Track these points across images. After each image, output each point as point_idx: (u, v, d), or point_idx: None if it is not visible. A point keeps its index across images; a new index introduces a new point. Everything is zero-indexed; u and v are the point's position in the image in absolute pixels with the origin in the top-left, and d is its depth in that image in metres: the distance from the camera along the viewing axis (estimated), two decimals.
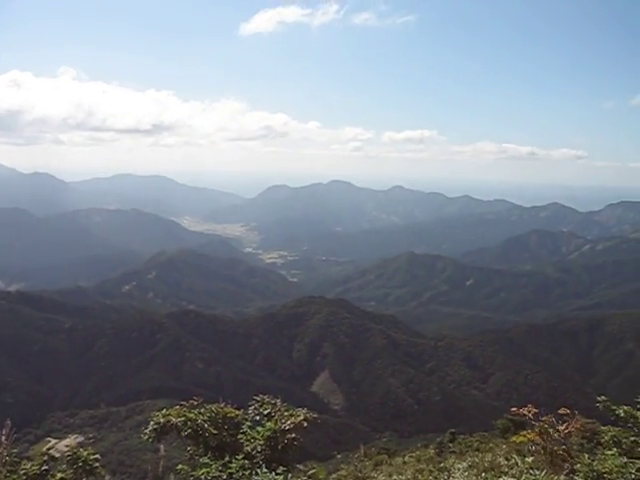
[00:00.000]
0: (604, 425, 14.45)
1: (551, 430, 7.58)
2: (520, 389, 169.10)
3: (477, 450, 30.67)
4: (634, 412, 11.83)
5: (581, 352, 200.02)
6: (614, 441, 12.54)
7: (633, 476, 9.78)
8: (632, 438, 12.06)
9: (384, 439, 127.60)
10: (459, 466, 11.25)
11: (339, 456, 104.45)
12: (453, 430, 53.15)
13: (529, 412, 7.71)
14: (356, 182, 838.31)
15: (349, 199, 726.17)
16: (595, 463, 9.58)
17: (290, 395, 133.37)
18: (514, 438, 8.08)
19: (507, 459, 11.55)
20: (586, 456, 9.84)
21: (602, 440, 13.39)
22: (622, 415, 11.88)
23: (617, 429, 12.97)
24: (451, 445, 41.89)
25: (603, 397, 12.63)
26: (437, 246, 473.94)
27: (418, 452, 41.11)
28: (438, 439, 48.77)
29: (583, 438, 21.45)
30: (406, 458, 36.16)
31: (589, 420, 27.36)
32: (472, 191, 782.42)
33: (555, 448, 7.79)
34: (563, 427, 7.60)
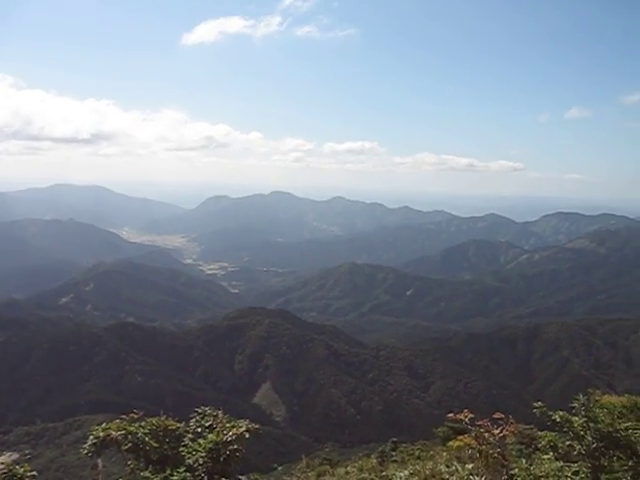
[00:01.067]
0: (542, 431, 14.78)
1: (486, 434, 7.71)
2: (460, 397, 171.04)
3: (418, 458, 30.95)
4: (569, 417, 12.11)
5: (519, 360, 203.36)
6: (550, 446, 12.82)
7: (569, 479, 10.00)
8: (567, 442, 12.35)
9: (326, 449, 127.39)
10: (401, 474, 11.34)
11: (281, 468, 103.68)
12: (395, 439, 53.48)
13: (465, 417, 7.82)
14: (297, 193, 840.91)
15: (290, 210, 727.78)
16: (532, 467, 9.78)
17: (232, 407, 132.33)
18: (451, 443, 8.20)
19: (448, 466, 11.68)
20: (523, 461, 10.04)
21: (539, 445, 13.70)
22: (558, 420, 12.15)
23: (553, 434, 13.26)
24: (393, 454, 42.12)
25: (539, 403, 12.90)
26: (378, 256, 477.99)
27: (360, 462, 41.15)
28: (380, 448, 48.95)
29: (521, 443, 21.92)
30: (348, 468, 36.18)
31: (527, 426, 27.99)
32: (412, 202, 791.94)
33: (490, 452, 7.92)
34: (498, 431, 7.72)
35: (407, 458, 35.21)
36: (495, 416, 8.05)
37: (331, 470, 36.65)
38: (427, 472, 11.68)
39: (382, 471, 23.42)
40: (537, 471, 9.81)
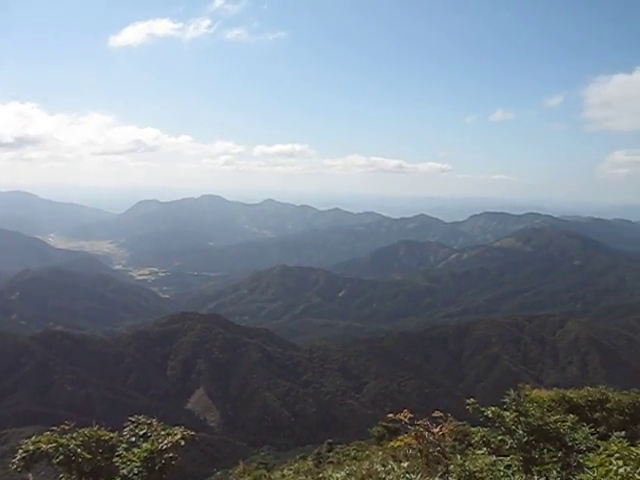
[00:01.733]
0: (474, 426, 15.01)
1: (426, 433, 7.80)
2: (394, 396, 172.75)
3: (354, 459, 31.07)
4: (500, 412, 12.35)
5: (451, 357, 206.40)
6: (483, 441, 13.06)
7: (502, 473, 10.18)
8: (500, 437, 12.60)
9: (262, 453, 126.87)
10: (337, 475, 11.35)
11: (218, 473, 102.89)
12: (330, 440, 53.69)
13: (405, 417, 7.90)
14: (228, 196, 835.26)
15: (221, 213, 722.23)
16: (467, 463, 9.93)
17: (166, 414, 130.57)
18: (392, 443, 8.27)
19: (384, 465, 11.76)
20: (458, 457, 10.19)
21: (472, 441, 13.94)
22: (490, 416, 12.38)
23: (486, 429, 13.51)
24: (329, 455, 42.27)
25: (472, 400, 13.13)
26: (309, 258, 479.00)
27: (296, 464, 41.18)
28: (316, 450, 49.08)
29: (455, 440, 22.24)
30: (285, 471, 36.13)
31: (460, 423, 28.43)
32: (342, 204, 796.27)
33: (430, 450, 8.02)
34: (437, 429, 7.83)
35: (343, 459, 35.37)
36: (434, 415, 8.17)
37: (267, 474, 36.54)
38: (363, 472, 11.73)
39: (319, 473, 23.42)
40: (471, 466, 9.96)
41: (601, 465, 5.94)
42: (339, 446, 48.01)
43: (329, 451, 45.08)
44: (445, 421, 7.92)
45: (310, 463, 39.26)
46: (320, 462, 38.65)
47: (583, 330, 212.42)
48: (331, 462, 35.71)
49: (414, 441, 7.84)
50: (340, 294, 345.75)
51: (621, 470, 5.59)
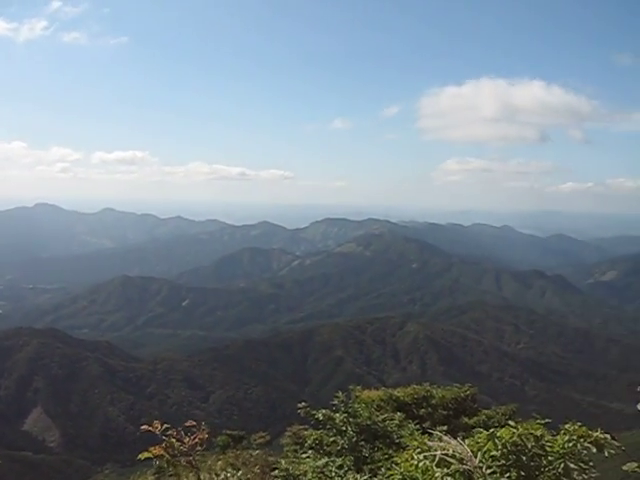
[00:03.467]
0: (317, 429, 15.26)
1: (177, 443, 7.89)
2: (241, 404, 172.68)
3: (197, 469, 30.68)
4: (331, 414, 12.69)
5: (296, 363, 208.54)
6: (316, 443, 13.36)
7: (334, 474, 10.44)
8: (332, 438, 12.93)
9: (106, 471, 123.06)
10: None
11: None
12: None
13: (156, 428, 7.94)
14: (64, 205, 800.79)
15: (57, 223, 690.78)
16: (291, 468, 10.10)
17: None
18: (140, 455, 8.24)
19: (217, 474, 11.76)
20: (283, 462, 10.36)
21: (306, 444, 14.20)
22: (321, 418, 12.69)
23: (319, 432, 13.82)
24: (170, 468, 41.52)
25: (303, 403, 13.42)
26: (151, 268, 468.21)
27: None
28: (157, 463, 48.09)
29: (296, 444, 22.51)
30: None
31: (301, 426, 28.80)
32: (184, 212, 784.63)
33: (183, 460, 8.13)
34: (188, 439, 7.94)
35: (184, 471, 34.84)
36: (187, 424, 8.25)
37: None
38: None
39: None
40: (296, 470, 10.14)
41: (406, 461, 6.29)
42: (197, 460, 47.36)
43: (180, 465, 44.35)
44: (199, 430, 8.02)
45: (151, 477, 38.45)
46: (161, 476, 37.95)
47: (421, 330, 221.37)
48: (171, 475, 35.13)
49: (163, 452, 7.88)
50: (184, 303, 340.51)
51: (421, 464, 5.95)
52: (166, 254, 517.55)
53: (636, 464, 5.25)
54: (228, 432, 39.78)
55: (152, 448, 8.02)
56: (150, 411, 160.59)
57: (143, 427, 8.12)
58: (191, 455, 7.96)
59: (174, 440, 7.87)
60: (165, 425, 7.95)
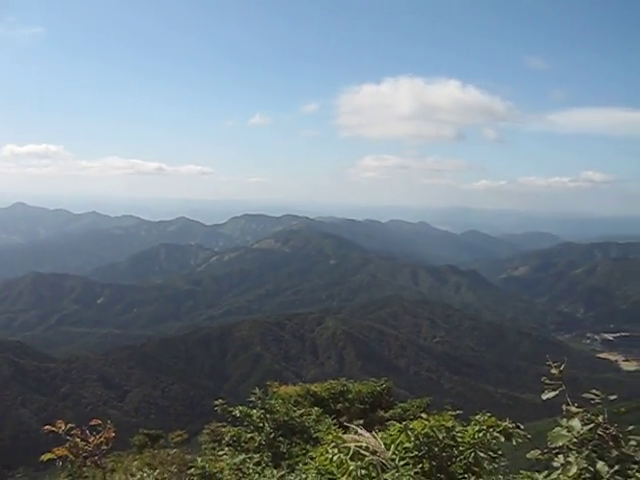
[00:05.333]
0: (235, 426, 15.24)
1: (82, 443, 7.82)
2: (158, 403, 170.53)
3: (113, 470, 30.22)
4: (248, 411, 12.70)
5: (214, 360, 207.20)
6: (234, 440, 13.35)
7: (251, 470, 10.47)
8: (249, 435, 12.95)
9: (18, 475, 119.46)
10: None
11: None
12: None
13: (59, 428, 7.84)
14: None
15: None
16: (208, 465, 10.08)
17: None
18: (42, 456, 8.12)
19: (133, 475, 11.65)
20: (199, 460, 10.32)
21: (223, 441, 14.18)
22: (238, 415, 12.70)
23: (237, 428, 13.82)
24: (84, 470, 40.74)
25: (220, 401, 13.39)
26: (65, 264, 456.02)
27: None
28: (69, 466, 47.08)
29: (215, 441, 22.42)
30: None
31: (220, 424, 28.68)
32: (100, 207, 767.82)
33: (88, 460, 8.06)
34: (93, 439, 7.87)
35: (90, 471, 34.21)
36: (92, 423, 8.16)
37: None
38: None
39: None
40: (213, 468, 10.12)
41: (321, 455, 6.39)
42: (103, 460, 46.51)
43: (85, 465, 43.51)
44: (105, 429, 7.96)
45: None
46: (74, 478, 37.19)
47: (339, 326, 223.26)
48: (86, 477, 34.47)
49: (67, 452, 7.79)
50: (99, 301, 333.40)
51: (336, 458, 6.04)
52: (80, 250, 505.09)
53: (539, 451, 5.46)
54: (145, 431, 39.23)
55: (56, 449, 7.86)
56: (64, 412, 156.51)
57: (46, 427, 7.95)
58: (96, 455, 7.84)
59: (79, 440, 7.74)
60: (70, 425, 7.81)
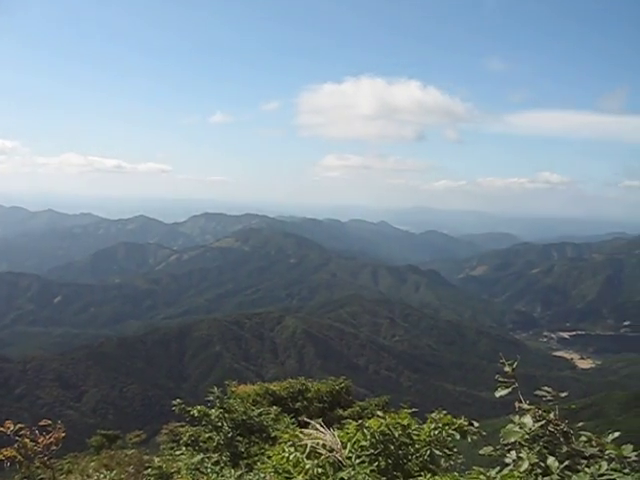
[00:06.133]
0: (194, 426, 15.16)
1: (31, 444, 7.76)
2: (116, 403, 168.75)
3: (69, 472, 29.85)
4: (206, 410, 12.67)
5: (173, 359, 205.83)
6: (192, 439, 13.31)
7: (209, 470, 10.45)
8: (208, 434, 12.92)
9: None
10: None
11: None
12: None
13: (7, 428, 7.77)
14: None
15: None
16: (165, 465, 10.03)
17: None
18: None
19: (89, 476, 11.55)
20: (156, 460, 10.27)
21: (181, 441, 14.13)
22: (196, 415, 12.66)
23: (195, 428, 13.78)
24: (39, 472, 40.19)
25: (178, 400, 13.34)
26: (20, 263, 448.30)
27: None
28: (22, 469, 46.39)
29: (173, 441, 22.30)
30: None
31: (178, 424, 28.56)
32: (57, 205, 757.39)
33: (37, 460, 8.00)
34: (43, 439, 7.82)
35: (56, 475, 33.76)
36: (42, 424, 8.10)
37: None
38: None
39: None
40: (170, 468, 10.08)
41: (278, 454, 6.42)
42: (53, 461, 45.90)
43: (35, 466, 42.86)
44: (55, 430, 7.91)
45: None
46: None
47: (299, 325, 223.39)
48: (42, 479, 34.00)
49: (15, 453, 7.73)
50: (56, 300, 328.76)
51: (292, 456, 6.08)
52: (37, 248, 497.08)
53: (491, 448, 5.58)
54: (102, 432, 38.80)
55: (4, 449, 7.76)
56: (19, 413, 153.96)
57: None
58: (46, 455, 7.76)
59: (27, 440, 7.66)
60: (19, 425, 7.71)
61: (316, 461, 5.80)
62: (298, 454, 6.00)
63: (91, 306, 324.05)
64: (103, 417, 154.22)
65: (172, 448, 18.11)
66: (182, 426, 27.43)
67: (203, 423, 13.02)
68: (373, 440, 6.71)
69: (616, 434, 5.35)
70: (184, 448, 12.50)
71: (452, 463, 7.49)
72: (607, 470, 4.75)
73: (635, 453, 5.09)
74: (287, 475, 6.15)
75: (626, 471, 4.88)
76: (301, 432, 6.82)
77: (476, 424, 7.25)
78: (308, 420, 7.20)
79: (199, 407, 12.71)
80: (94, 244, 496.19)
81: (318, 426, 6.82)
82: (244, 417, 12.85)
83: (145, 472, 9.92)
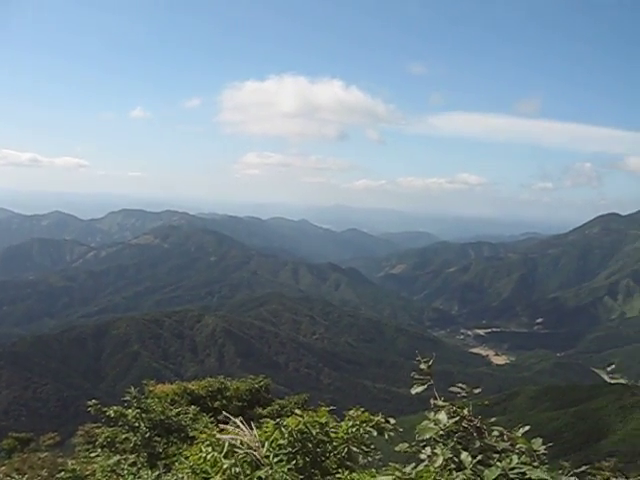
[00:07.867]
0: (110, 426, 14.89)
1: None
2: (30, 404, 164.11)
3: None
4: (123, 411, 12.47)
5: (90, 358, 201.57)
6: (109, 441, 13.08)
7: (126, 471, 10.28)
8: (124, 435, 12.72)
9: None
10: None
11: None
12: None
13: None
14: None
15: None
16: (79, 468, 9.84)
17: None
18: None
19: None
20: (69, 462, 10.07)
21: (97, 442, 13.86)
22: (113, 415, 12.44)
23: (111, 429, 13.53)
24: None
25: (94, 401, 13.08)
26: None
27: None
28: None
29: (89, 443, 21.88)
30: None
31: (95, 425, 28.03)
32: None
33: None
34: None
35: None
36: None
37: None
38: None
39: None
40: (85, 471, 9.90)
41: (195, 454, 6.39)
42: None
43: None
44: None
45: None
46: None
47: (219, 323, 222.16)
48: None
49: None
50: None
51: (209, 456, 6.06)
52: None
53: (407, 444, 5.69)
54: (14, 435, 37.76)
55: None
56: None
57: None
58: None
59: None
60: None
61: (233, 460, 5.80)
62: (216, 453, 5.99)
63: (3, 304, 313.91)
64: (16, 419, 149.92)
65: (87, 450, 17.77)
66: (98, 427, 26.94)
67: (120, 424, 12.83)
68: (291, 438, 6.76)
69: (526, 428, 5.53)
70: (100, 450, 12.28)
71: (370, 460, 7.59)
72: (517, 464, 4.90)
73: (544, 446, 5.27)
74: (205, 475, 6.12)
75: (535, 464, 5.05)
76: (220, 431, 6.80)
77: (393, 421, 7.39)
78: (228, 416, 7.15)
79: (115, 407, 12.51)
80: (6, 240, 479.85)
81: (238, 422, 6.83)
82: (162, 417, 12.72)
83: (58, 475, 9.71)
